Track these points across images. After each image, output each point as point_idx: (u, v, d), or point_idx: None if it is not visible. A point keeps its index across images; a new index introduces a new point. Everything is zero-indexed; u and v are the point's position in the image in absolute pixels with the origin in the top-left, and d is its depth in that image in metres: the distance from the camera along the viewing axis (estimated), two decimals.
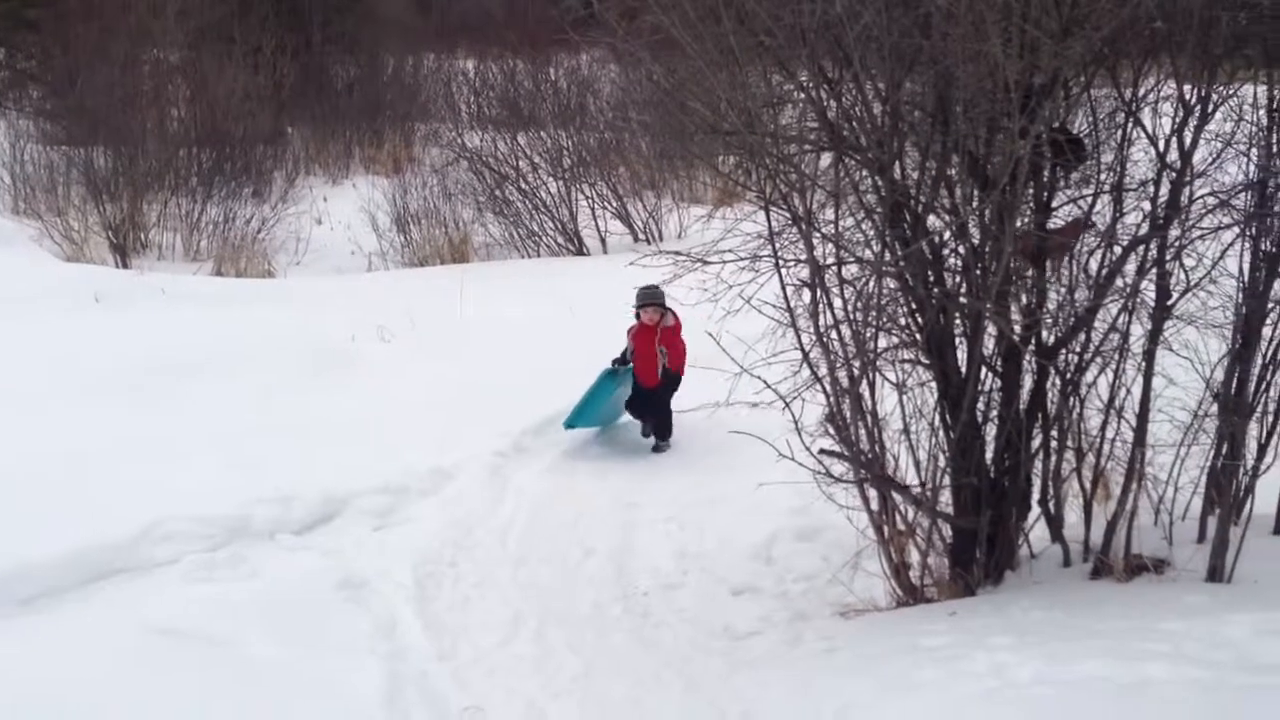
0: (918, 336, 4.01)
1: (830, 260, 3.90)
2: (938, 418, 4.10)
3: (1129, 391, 4.06)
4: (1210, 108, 3.70)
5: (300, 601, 4.50)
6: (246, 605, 4.41)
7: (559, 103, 15.18)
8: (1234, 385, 3.91)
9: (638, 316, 6.70)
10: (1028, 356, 3.98)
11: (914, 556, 4.24)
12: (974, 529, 4.11)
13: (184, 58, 16.42)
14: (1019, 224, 3.72)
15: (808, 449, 4.04)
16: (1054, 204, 3.97)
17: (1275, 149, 3.79)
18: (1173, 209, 3.76)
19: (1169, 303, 3.86)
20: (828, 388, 3.99)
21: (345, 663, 4.06)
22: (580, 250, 13.75)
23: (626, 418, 6.98)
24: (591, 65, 15.91)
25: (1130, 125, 3.88)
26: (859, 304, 3.90)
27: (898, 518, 4.18)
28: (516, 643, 4.36)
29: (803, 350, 3.98)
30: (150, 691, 3.77)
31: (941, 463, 4.09)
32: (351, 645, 4.19)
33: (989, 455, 4.12)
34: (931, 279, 3.93)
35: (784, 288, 3.97)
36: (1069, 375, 4.07)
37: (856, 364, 3.95)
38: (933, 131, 3.81)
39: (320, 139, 18.20)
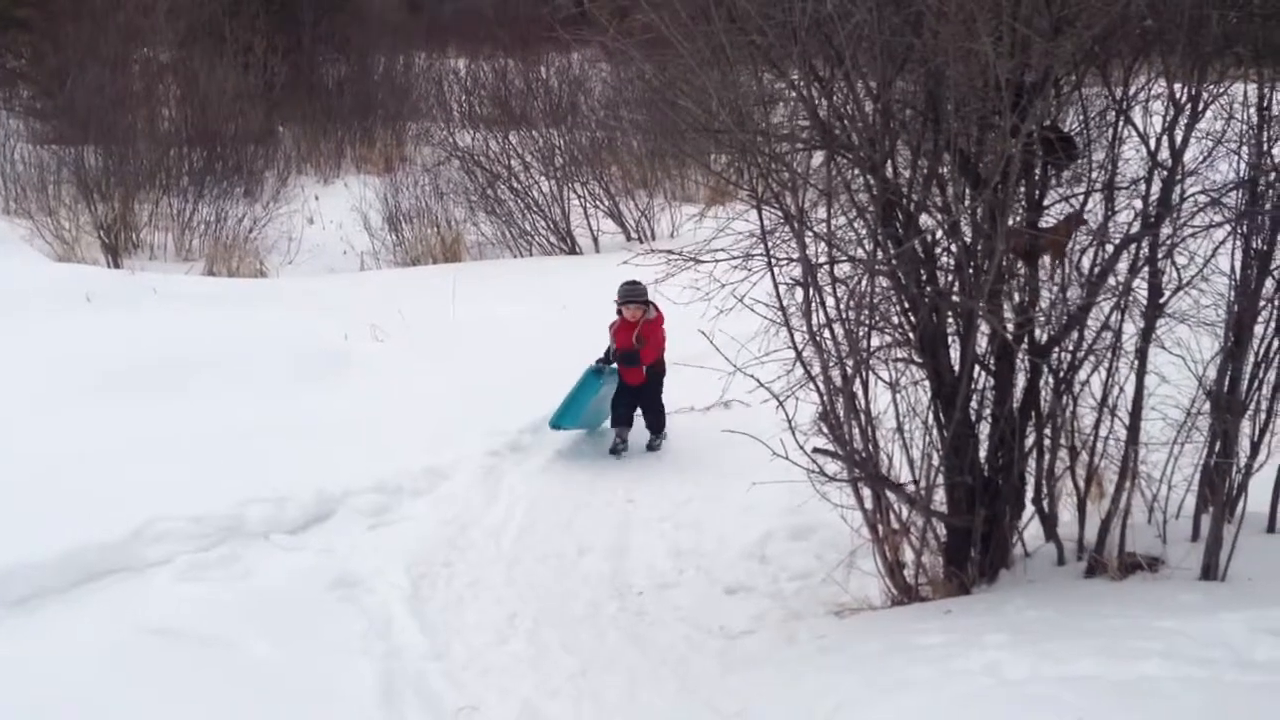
0: (911, 335, 4.01)
1: (822, 259, 3.90)
2: (931, 416, 4.10)
3: (1122, 390, 4.06)
4: (1201, 106, 3.70)
5: (294, 601, 4.50)
6: (240, 605, 4.41)
7: (550, 101, 15.18)
8: (1226, 383, 3.92)
9: (619, 313, 6.62)
10: (1021, 355, 3.99)
11: (908, 555, 4.24)
12: (968, 528, 4.12)
13: (174, 57, 16.40)
14: (1011, 222, 3.72)
15: (801, 448, 4.03)
16: (1046, 202, 3.98)
17: (1266, 147, 3.80)
18: (1164, 207, 3.76)
19: (1161, 301, 3.86)
20: (821, 386, 3.98)
21: (339, 662, 4.06)
22: (573, 249, 13.73)
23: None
24: (583, 64, 15.90)
25: (1121, 123, 3.88)
26: (851, 303, 3.90)
27: (892, 517, 4.18)
28: (511, 642, 4.37)
29: (796, 349, 3.98)
30: (143, 692, 3.77)
31: (935, 461, 4.09)
32: (346, 645, 4.19)
33: (983, 454, 4.12)
34: (924, 278, 3.93)
35: (776, 286, 3.96)
36: (1062, 373, 4.07)
37: (849, 363, 3.95)
38: (924, 130, 3.81)
39: (311, 138, 18.19)
